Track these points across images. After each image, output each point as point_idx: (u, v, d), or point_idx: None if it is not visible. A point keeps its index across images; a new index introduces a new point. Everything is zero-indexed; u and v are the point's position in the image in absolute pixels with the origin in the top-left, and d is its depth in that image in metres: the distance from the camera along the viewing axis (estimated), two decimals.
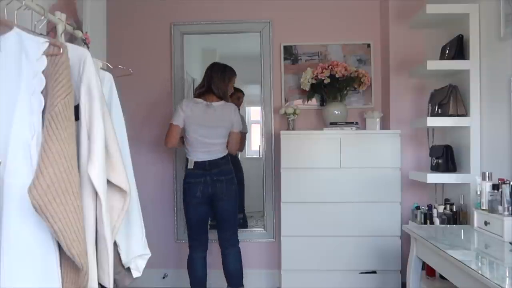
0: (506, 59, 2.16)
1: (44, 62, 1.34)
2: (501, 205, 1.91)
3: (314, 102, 3.40)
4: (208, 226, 2.97)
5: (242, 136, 3.13)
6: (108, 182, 1.48)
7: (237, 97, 3.39)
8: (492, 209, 1.98)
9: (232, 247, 2.88)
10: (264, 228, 3.43)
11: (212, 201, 2.80)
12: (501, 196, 1.91)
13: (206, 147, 2.79)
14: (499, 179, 1.97)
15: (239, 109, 3.03)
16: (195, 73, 3.66)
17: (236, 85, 3.03)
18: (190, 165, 2.80)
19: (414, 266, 2.19)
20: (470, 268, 1.53)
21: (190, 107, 2.78)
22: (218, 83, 2.81)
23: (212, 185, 2.75)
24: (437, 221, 2.50)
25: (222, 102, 2.82)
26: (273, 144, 3.41)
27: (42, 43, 1.35)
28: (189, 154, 2.83)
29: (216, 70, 2.85)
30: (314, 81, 3.18)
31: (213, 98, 2.82)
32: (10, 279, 1.25)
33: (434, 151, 2.74)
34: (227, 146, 2.87)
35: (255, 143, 3.18)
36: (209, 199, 2.79)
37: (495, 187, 1.98)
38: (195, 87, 3.01)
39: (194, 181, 2.77)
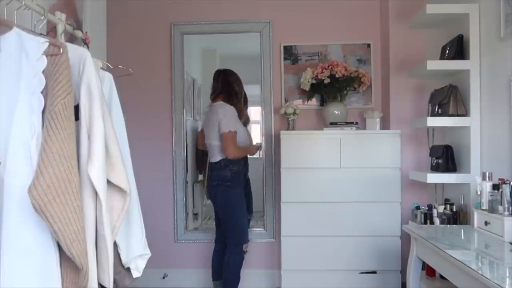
0: (506, 59, 2.16)
1: (44, 62, 1.34)
2: (501, 205, 1.91)
3: (314, 102, 3.40)
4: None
5: (225, 137, 2.73)
6: (108, 182, 1.48)
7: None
8: (492, 209, 1.98)
9: (228, 249, 2.89)
10: (264, 228, 3.43)
11: None
12: (501, 196, 1.91)
13: (208, 149, 2.89)
14: (499, 179, 1.97)
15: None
16: (195, 73, 3.66)
17: None
18: None
19: (414, 266, 2.19)
20: (470, 268, 1.53)
21: (206, 111, 3.00)
22: (235, 85, 2.91)
23: (208, 188, 2.89)
24: (437, 221, 2.50)
25: (219, 102, 2.85)
26: (273, 144, 3.40)
27: (42, 43, 1.35)
28: None
29: (231, 73, 2.94)
30: (314, 81, 3.18)
31: (217, 99, 2.88)
32: (10, 279, 1.25)
33: (434, 151, 2.74)
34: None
35: (255, 143, 3.17)
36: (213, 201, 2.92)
37: (495, 187, 1.98)
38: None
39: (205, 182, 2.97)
